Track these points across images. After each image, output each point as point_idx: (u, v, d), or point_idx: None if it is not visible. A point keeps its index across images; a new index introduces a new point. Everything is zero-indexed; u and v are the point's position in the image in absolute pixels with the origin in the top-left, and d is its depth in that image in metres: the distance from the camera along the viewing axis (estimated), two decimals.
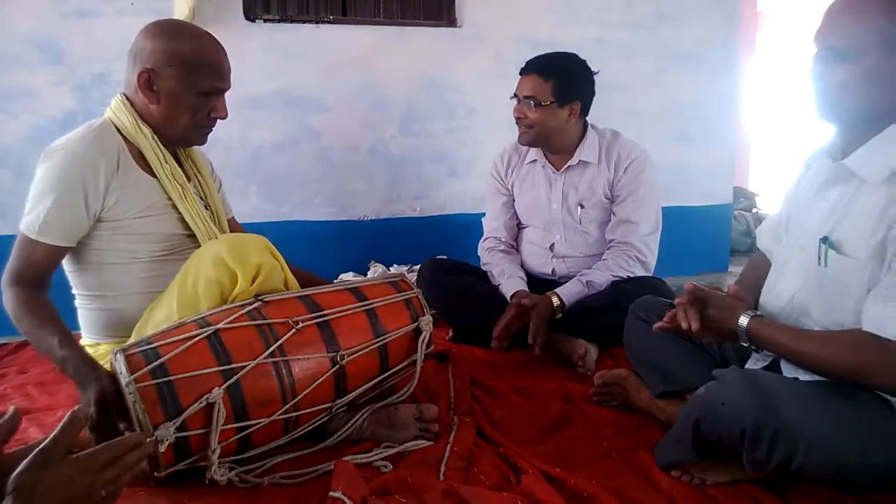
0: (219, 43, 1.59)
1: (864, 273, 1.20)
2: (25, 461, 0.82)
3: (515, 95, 2.15)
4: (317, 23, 2.83)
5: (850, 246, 1.22)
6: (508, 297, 2.14)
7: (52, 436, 0.85)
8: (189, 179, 1.68)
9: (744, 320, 1.29)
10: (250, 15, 2.73)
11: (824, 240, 1.26)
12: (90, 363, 1.36)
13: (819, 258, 1.26)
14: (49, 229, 1.47)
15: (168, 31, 1.55)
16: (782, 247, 1.43)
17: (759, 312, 1.32)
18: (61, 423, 0.86)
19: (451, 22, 3.01)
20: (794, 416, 1.12)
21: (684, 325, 1.32)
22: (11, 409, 0.91)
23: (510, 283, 2.18)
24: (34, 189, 1.50)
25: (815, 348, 1.21)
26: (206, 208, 1.71)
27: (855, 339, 1.18)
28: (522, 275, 2.26)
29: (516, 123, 2.16)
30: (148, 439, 1.19)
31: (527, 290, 2.16)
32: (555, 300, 2.07)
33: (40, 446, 0.84)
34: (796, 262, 1.35)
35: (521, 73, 2.15)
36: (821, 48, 1.23)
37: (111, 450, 0.90)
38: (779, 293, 1.38)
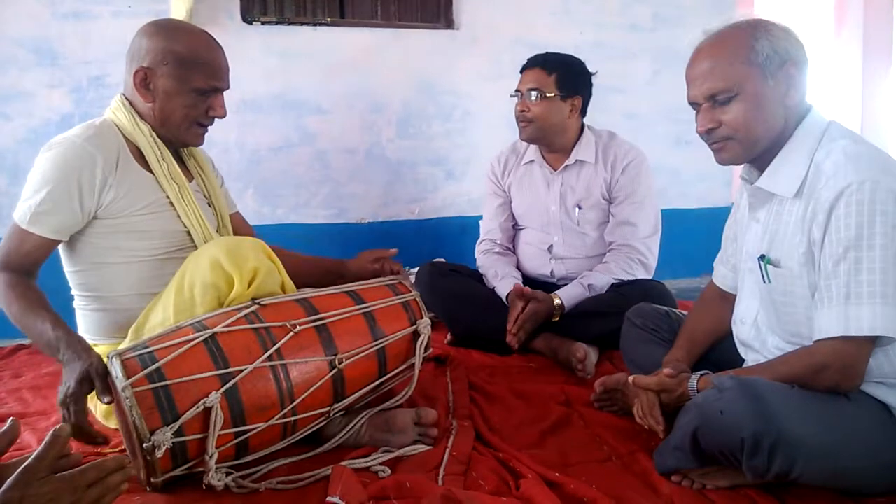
0: (216, 41, 1.59)
1: (802, 280, 1.25)
2: (11, 478, 0.87)
3: (518, 92, 2.16)
4: (314, 25, 2.83)
5: (784, 259, 1.28)
6: (504, 298, 2.14)
7: (35, 454, 0.90)
8: (192, 178, 1.67)
9: (692, 385, 1.31)
10: (247, 17, 2.72)
11: (762, 258, 1.32)
12: (83, 343, 1.38)
13: (762, 276, 1.33)
14: (40, 220, 1.46)
15: (164, 30, 1.55)
16: (740, 274, 1.46)
17: (703, 372, 1.34)
18: (44, 442, 0.90)
19: (449, 24, 3.01)
20: (793, 425, 1.12)
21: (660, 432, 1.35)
22: (10, 420, 0.96)
23: (504, 284, 2.17)
24: (30, 179, 1.49)
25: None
26: (210, 205, 1.71)
27: (809, 359, 1.22)
28: (517, 275, 2.25)
29: (517, 120, 2.17)
30: (145, 444, 1.19)
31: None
32: (556, 301, 2.07)
33: (24, 464, 0.89)
34: (751, 284, 1.40)
35: (522, 70, 2.17)
36: (704, 101, 1.29)
37: (95, 470, 0.94)
38: (743, 318, 1.43)
